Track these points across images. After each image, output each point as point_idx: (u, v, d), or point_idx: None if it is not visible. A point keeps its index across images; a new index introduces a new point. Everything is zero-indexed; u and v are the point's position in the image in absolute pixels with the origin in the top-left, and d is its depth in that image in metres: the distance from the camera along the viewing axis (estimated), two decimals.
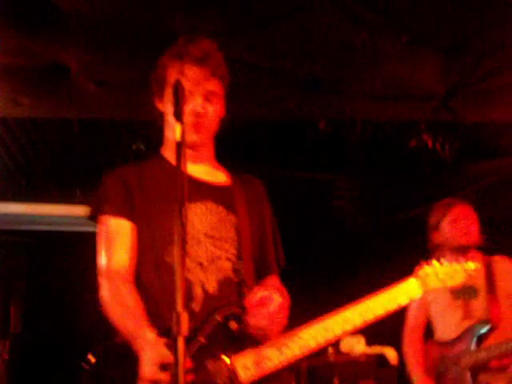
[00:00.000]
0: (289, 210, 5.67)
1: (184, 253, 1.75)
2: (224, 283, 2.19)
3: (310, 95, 4.49)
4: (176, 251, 1.75)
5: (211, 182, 2.34)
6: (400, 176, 5.81)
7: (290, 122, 5.03)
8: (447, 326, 3.80)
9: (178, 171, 1.83)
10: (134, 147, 5.12)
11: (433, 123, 5.31)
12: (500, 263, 3.83)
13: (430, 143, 5.38)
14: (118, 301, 2.11)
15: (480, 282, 3.74)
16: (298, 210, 5.82)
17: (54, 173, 5.44)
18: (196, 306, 2.13)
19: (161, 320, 2.02)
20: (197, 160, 2.32)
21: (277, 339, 2.10)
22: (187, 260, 2.12)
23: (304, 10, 3.52)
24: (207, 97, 2.27)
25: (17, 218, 5.82)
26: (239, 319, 2.07)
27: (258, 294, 2.08)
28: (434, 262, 2.40)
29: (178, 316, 1.66)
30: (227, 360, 2.04)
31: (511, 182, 5.84)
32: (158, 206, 2.22)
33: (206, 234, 2.22)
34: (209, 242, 2.22)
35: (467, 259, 3.49)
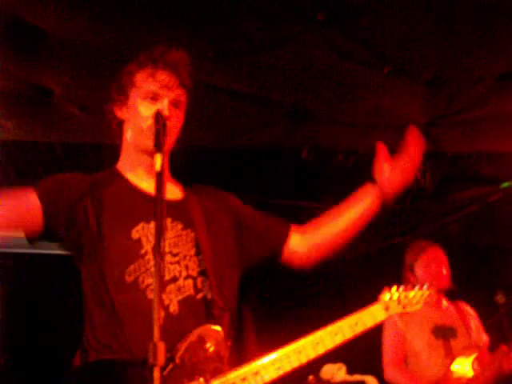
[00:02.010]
0: None
1: (162, 285, 1.74)
2: (185, 303, 2.11)
3: (294, 124, 4.53)
4: (155, 283, 1.73)
5: (167, 199, 2.16)
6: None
7: (274, 149, 5.06)
8: (431, 364, 4.04)
9: (157, 201, 1.83)
10: None
11: None
12: (466, 307, 4.29)
13: None
14: None
15: (457, 322, 4.16)
16: None
17: None
18: None
19: (125, 342, 2.00)
20: (151, 173, 2.21)
21: (253, 361, 2.10)
22: (148, 278, 2.08)
23: (288, 40, 3.57)
24: (173, 103, 2.26)
25: None
26: (213, 338, 2.05)
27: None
28: (394, 289, 2.59)
29: (155, 346, 1.64)
30: (203, 382, 2.01)
31: (492, 210, 5.89)
32: (115, 224, 2.16)
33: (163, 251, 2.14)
34: (168, 260, 2.15)
35: (440, 303, 4.17)
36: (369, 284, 3.13)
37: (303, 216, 6.26)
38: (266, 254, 2.45)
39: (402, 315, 4.20)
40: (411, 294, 2.65)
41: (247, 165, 5.16)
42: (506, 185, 5.76)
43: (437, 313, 4.15)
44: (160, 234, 1.78)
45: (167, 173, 2.34)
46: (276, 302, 5.79)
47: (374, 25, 3.50)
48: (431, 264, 4.17)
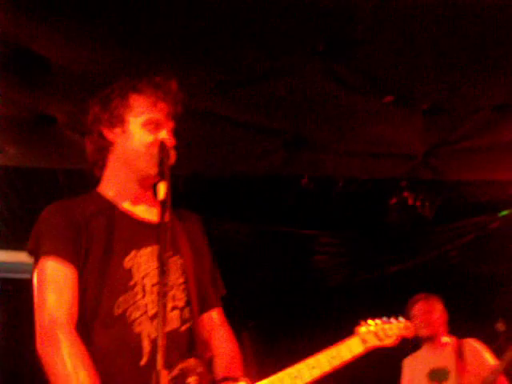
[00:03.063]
0: (267, 263, 5.71)
1: (165, 316, 1.73)
2: (171, 335, 2.03)
3: (293, 152, 4.56)
4: (158, 314, 1.73)
5: (155, 223, 2.11)
6: (381, 232, 5.86)
7: (273, 177, 5.09)
8: None
9: (161, 230, 1.84)
10: None
11: (414, 181, 5.41)
12: (469, 345, 4.52)
13: (410, 201, 5.45)
14: (61, 364, 1.92)
15: (451, 364, 4.44)
16: (277, 264, 5.84)
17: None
18: (143, 361, 2.03)
19: (113, 381, 1.98)
20: (139, 199, 2.24)
21: None
22: (135, 311, 2.06)
23: (288, 70, 3.61)
24: (170, 132, 2.25)
25: None
26: (195, 372, 2.03)
27: None
28: (370, 321, 2.66)
29: (158, 375, 1.65)
30: None
31: (491, 238, 5.90)
32: (104, 252, 2.10)
33: (152, 283, 2.11)
34: (156, 291, 2.07)
35: (437, 347, 4.55)
36: (368, 312, 3.14)
37: (304, 243, 6.30)
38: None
39: (409, 361, 4.71)
40: (387, 326, 2.70)
41: (247, 193, 5.19)
42: (504, 213, 5.79)
43: (434, 356, 4.59)
44: (163, 265, 1.79)
45: (152, 197, 2.29)
46: (273, 328, 5.79)
47: (373, 55, 3.54)
48: (419, 315, 4.61)
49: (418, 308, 4.66)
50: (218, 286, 2.38)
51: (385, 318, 2.80)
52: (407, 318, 4.52)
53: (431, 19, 3.24)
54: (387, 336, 2.68)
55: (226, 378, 2.15)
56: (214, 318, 2.33)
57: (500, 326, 4.81)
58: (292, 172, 4.97)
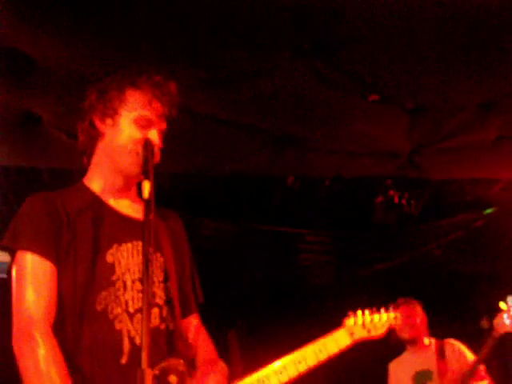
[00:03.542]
0: (253, 262, 5.71)
1: (149, 314, 1.74)
2: (151, 333, 1.93)
3: (279, 151, 4.56)
4: (143, 312, 1.72)
5: (138, 219, 2.14)
6: (367, 231, 5.88)
7: (259, 176, 5.09)
8: None
9: (145, 228, 1.83)
10: None
11: (399, 180, 5.43)
12: (449, 345, 4.68)
13: (396, 199, 5.48)
14: (34, 364, 1.91)
15: (434, 365, 4.58)
16: (263, 263, 5.85)
17: None
18: (123, 359, 2.02)
19: (91, 379, 1.98)
20: (122, 193, 2.24)
21: None
22: (117, 307, 2.05)
23: (274, 69, 3.62)
24: (160, 132, 2.23)
25: None
26: (176, 371, 2.01)
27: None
28: (359, 313, 2.59)
29: (143, 373, 1.64)
30: None
31: (476, 236, 5.94)
32: (86, 246, 2.09)
33: (133, 279, 2.10)
34: (136, 287, 2.09)
35: (419, 348, 4.69)
36: (354, 309, 3.16)
37: (290, 242, 6.31)
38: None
39: (394, 365, 4.81)
40: (376, 317, 2.64)
41: (233, 192, 5.19)
42: (488, 211, 5.83)
43: (418, 358, 4.74)
44: (147, 263, 1.78)
45: (135, 193, 2.28)
46: (260, 326, 5.80)
47: (359, 54, 3.55)
48: (402, 319, 4.62)
49: (400, 311, 4.74)
50: (198, 294, 2.37)
51: (374, 309, 2.73)
52: None
53: (416, 19, 3.26)
54: (375, 327, 2.63)
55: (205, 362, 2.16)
56: (194, 322, 2.33)
57: (484, 324, 4.84)
58: (278, 171, 4.98)
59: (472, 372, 4.37)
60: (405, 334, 4.73)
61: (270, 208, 5.45)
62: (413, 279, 5.95)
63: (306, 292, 6.20)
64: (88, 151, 2.27)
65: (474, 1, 3.13)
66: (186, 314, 2.29)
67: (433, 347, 4.75)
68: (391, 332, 4.64)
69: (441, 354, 4.67)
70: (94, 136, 2.24)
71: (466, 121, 4.33)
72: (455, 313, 5.73)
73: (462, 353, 4.64)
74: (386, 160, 4.86)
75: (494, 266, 6.01)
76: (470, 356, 4.60)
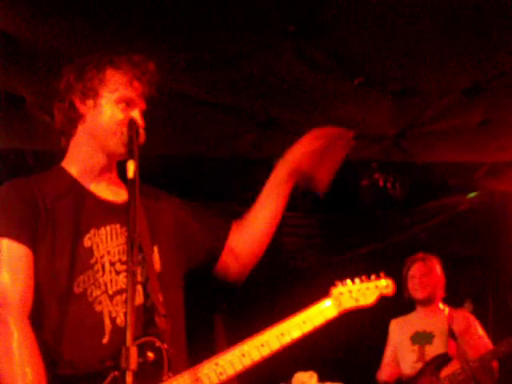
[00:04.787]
0: None
1: (133, 297, 1.73)
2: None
3: (264, 133, 4.57)
4: (128, 293, 1.73)
5: (115, 202, 2.19)
6: (351, 214, 5.91)
7: (244, 158, 5.08)
8: (405, 367, 4.43)
9: (130, 209, 1.83)
10: None
11: (384, 163, 5.45)
12: (462, 315, 4.42)
13: (381, 182, 5.50)
14: (6, 349, 1.92)
15: (438, 330, 4.37)
16: None
17: None
18: (105, 339, 2.03)
19: (72, 361, 1.98)
20: (102, 176, 2.22)
21: (195, 368, 2.07)
22: (96, 290, 2.06)
23: (259, 51, 3.60)
24: (142, 112, 2.21)
25: None
26: (153, 347, 2.02)
27: None
28: (348, 281, 2.47)
29: (128, 350, 1.66)
30: None
31: (460, 220, 5.98)
32: (65, 231, 2.08)
33: (111, 261, 2.10)
34: (116, 269, 2.10)
35: (430, 311, 4.46)
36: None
37: None
38: (208, 248, 2.37)
39: (396, 322, 4.62)
40: (364, 285, 2.48)
41: (217, 174, 5.18)
42: (472, 195, 5.87)
43: (423, 319, 4.50)
44: (132, 243, 1.79)
45: (114, 174, 2.27)
46: (245, 310, 5.82)
47: (343, 37, 3.55)
48: (416, 277, 4.52)
49: (415, 269, 4.54)
50: (220, 219, 2.46)
51: (364, 277, 2.61)
52: (404, 277, 4.55)
53: (401, 3, 3.26)
54: (364, 295, 2.45)
55: None
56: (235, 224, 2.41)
57: (468, 307, 4.86)
58: (263, 153, 4.97)
59: (489, 360, 4.15)
60: (417, 294, 4.46)
61: (255, 191, 5.44)
62: (398, 262, 5.98)
63: (291, 275, 6.22)
64: (67, 133, 2.23)
65: None
66: (227, 231, 2.38)
67: (444, 313, 4.46)
68: (404, 290, 4.49)
69: (451, 321, 4.35)
70: (74, 117, 2.19)
71: (451, 104, 4.34)
72: None
73: (474, 326, 4.40)
74: (371, 143, 4.87)
75: (479, 250, 6.05)
76: (481, 331, 4.41)
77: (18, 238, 2.03)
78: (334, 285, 2.46)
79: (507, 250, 5.83)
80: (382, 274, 2.54)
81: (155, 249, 2.21)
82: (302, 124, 4.57)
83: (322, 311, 2.34)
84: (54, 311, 2.03)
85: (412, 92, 4.14)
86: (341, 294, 2.42)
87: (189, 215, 2.37)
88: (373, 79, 3.96)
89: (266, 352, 2.16)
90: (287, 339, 2.21)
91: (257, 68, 3.79)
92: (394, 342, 4.59)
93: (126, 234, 2.01)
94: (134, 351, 1.66)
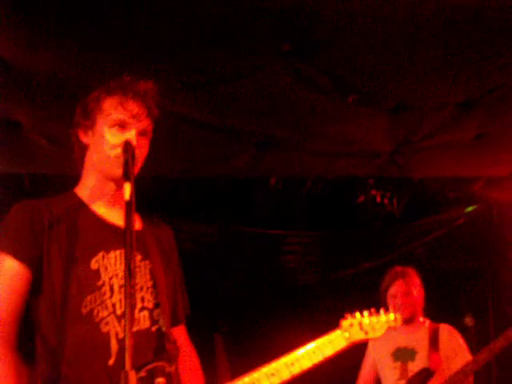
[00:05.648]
0: (237, 264, 5.71)
1: (132, 316, 1.75)
2: (140, 335, 2.08)
3: (261, 153, 4.57)
4: (126, 315, 1.74)
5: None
6: (349, 231, 5.91)
7: (242, 179, 5.09)
8: None
9: (126, 231, 1.84)
10: None
11: (381, 179, 5.46)
12: (444, 330, 4.31)
13: (378, 198, 5.51)
14: None
15: (421, 345, 4.24)
16: (247, 265, 5.86)
17: None
18: (111, 360, 2.04)
19: (78, 382, 1.99)
20: (114, 202, 2.27)
21: None
22: (103, 311, 2.08)
23: (254, 70, 3.62)
24: (141, 132, 2.24)
25: None
26: (164, 373, 2.02)
27: None
28: (357, 314, 2.52)
29: (126, 375, 1.65)
30: None
31: (457, 234, 5.98)
32: (75, 253, 2.12)
33: (120, 284, 2.12)
34: (124, 291, 2.05)
35: (412, 327, 4.30)
36: (339, 310, 3.17)
37: (273, 243, 6.31)
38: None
39: (374, 340, 4.43)
40: (374, 319, 2.56)
41: (216, 194, 5.19)
42: (469, 209, 5.88)
43: (402, 335, 4.31)
44: (129, 264, 1.79)
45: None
46: (245, 329, 5.80)
47: (337, 55, 3.56)
48: (397, 296, 4.37)
49: (396, 288, 4.40)
50: (186, 306, 2.44)
51: (373, 310, 2.64)
52: (383, 293, 4.40)
53: (394, 19, 3.28)
54: (374, 329, 2.53)
55: None
56: (182, 333, 2.39)
57: (468, 321, 4.83)
58: (260, 173, 4.98)
59: (463, 378, 4.01)
60: (401, 314, 4.29)
61: (253, 210, 5.45)
62: None
63: (291, 293, 6.21)
64: (78, 162, 2.35)
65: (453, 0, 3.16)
66: (173, 323, 2.32)
67: (425, 327, 4.35)
68: (383, 305, 4.37)
69: (433, 336, 4.28)
70: (81, 148, 2.31)
71: (446, 119, 4.35)
72: (437, 311, 5.76)
73: (457, 340, 4.32)
74: (367, 160, 4.87)
75: (478, 263, 6.05)
76: (464, 345, 4.30)
77: (18, 258, 2.08)
78: (343, 317, 2.51)
79: (506, 262, 5.82)
80: (391, 309, 2.64)
81: (164, 278, 2.26)
82: (299, 143, 4.61)
83: (332, 342, 2.38)
84: (57, 332, 2.05)
85: (406, 108, 4.15)
86: (351, 325, 2.47)
87: (177, 276, 2.42)
88: (367, 96, 3.98)
89: (275, 381, 2.19)
90: (297, 369, 2.24)
91: (252, 88, 3.80)
92: (374, 360, 4.44)
93: (136, 259, 2.11)
94: (133, 376, 1.66)
